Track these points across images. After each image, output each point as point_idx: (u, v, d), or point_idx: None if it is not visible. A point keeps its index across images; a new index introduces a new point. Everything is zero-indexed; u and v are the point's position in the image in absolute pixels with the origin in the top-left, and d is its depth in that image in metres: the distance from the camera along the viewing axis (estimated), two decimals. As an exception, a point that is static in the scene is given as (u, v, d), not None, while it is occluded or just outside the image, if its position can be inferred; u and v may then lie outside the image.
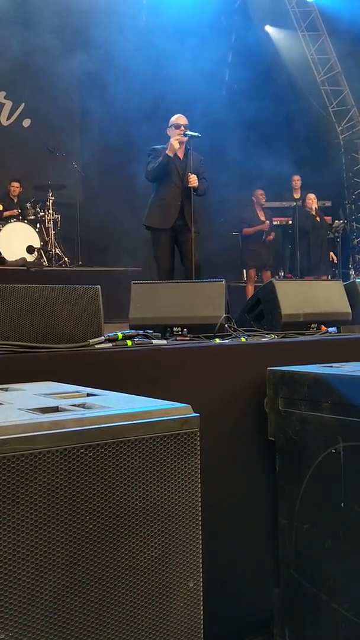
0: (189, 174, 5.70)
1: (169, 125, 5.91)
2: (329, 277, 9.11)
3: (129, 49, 10.47)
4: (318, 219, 9.38)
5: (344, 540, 2.12)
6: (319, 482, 2.23)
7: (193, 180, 5.69)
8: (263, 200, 9.15)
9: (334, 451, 2.15)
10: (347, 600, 2.11)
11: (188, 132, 5.71)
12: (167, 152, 5.72)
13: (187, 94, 9.55)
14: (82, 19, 10.11)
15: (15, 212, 8.52)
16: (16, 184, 8.90)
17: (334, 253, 9.65)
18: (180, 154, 5.85)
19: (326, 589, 2.19)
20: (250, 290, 8.71)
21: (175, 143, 5.72)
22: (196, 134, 5.71)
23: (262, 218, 9.05)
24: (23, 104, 10.15)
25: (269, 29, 11.65)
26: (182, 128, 5.76)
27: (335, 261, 9.64)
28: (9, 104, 10.10)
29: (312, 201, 9.35)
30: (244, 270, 9.55)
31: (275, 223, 9.48)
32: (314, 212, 9.33)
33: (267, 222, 8.93)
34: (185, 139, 5.75)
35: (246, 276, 9.27)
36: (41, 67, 9.65)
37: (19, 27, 9.86)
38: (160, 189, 5.84)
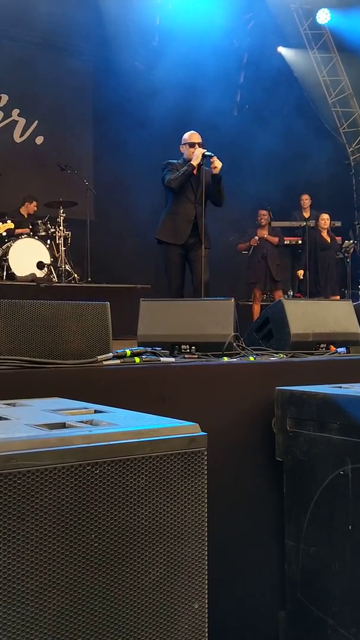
0: (213, 159, 5.65)
1: (183, 142, 5.92)
2: (339, 298, 9.09)
3: (141, 69, 10.58)
4: (329, 239, 9.38)
5: (352, 563, 2.09)
6: (326, 504, 2.21)
7: (217, 164, 5.63)
8: (264, 221, 9.14)
9: (342, 473, 2.13)
10: (355, 625, 2.08)
11: (205, 152, 5.72)
12: (192, 161, 5.70)
13: (198, 115, 9.61)
14: (95, 39, 10.22)
15: (26, 230, 8.57)
16: (33, 203, 8.95)
17: (343, 274, 9.65)
18: (194, 171, 5.85)
19: (333, 613, 2.16)
20: (256, 309, 8.69)
21: (200, 151, 5.70)
22: (210, 153, 5.72)
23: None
24: (36, 121, 10.24)
25: (281, 50, 11.74)
26: (197, 146, 5.78)
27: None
28: (22, 121, 10.20)
29: (325, 221, 9.36)
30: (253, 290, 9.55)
31: (285, 242, 9.48)
32: (324, 233, 9.34)
33: (256, 237, 8.92)
34: (204, 151, 5.74)
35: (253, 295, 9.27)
36: (55, 85, 9.76)
37: (33, 46, 9.99)
38: (174, 204, 5.82)
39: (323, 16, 11.06)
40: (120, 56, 10.28)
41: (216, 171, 5.66)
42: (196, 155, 5.69)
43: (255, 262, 8.94)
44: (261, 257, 8.92)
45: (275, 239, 9.11)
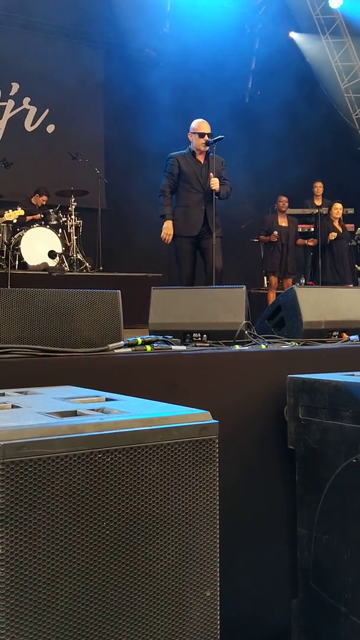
0: (211, 175, 5.66)
1: (191, 131, 5.87)
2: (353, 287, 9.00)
3: (152, 55, 10.52)
4: (340, 229, 9.32)
5: (364, 551, 2.09)
6: (339, 492, 2.20)
7: (215, 183, 5.64)
8: (284, 207, 9.08)
9: (354, 461, 2.12)
10: (367, 613, 2.07)
11: (209, 140, 5.69)
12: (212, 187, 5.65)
13: (210, 100, 9.56)
14: (106, 25, 10.17)
15: (37, 216, 8.57)
16: (43, 197, 8.92)
17: (357, 263, 9.57)
18: (201, 159, 5.83)
19: (345, 601, 2.16)
20: (271, 297, 8.64)
21: (215, 180, 5.64)
22: (220, 136, 5.68)
23: (284, 224, 8.99)
24: (47, 109, 10.22)
25: (293, 35, 11.63)
26: (206, 137, 5.74)
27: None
28: (33, 110, 10.18)
29: (338, 211, 9.29)
30: (265, 277, 9.50)
31: (299, 230, 9.41)
32: (336, 223, 9.28)
33: (276, 232, 8.85)
34: (206, 148, 5.72)
35: (267, 283, 9.22)
36: (65, 73, 9.72)
37: (43, 33, 9.96)
38: (183, 197, 5.81)
39: (336, 0, 10.93)
40: (131, 43, 10.22)
41: (214, 188, 5.62)
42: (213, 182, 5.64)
43: (275, 251, 8.89)
44: (281, 246, 8.87)
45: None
